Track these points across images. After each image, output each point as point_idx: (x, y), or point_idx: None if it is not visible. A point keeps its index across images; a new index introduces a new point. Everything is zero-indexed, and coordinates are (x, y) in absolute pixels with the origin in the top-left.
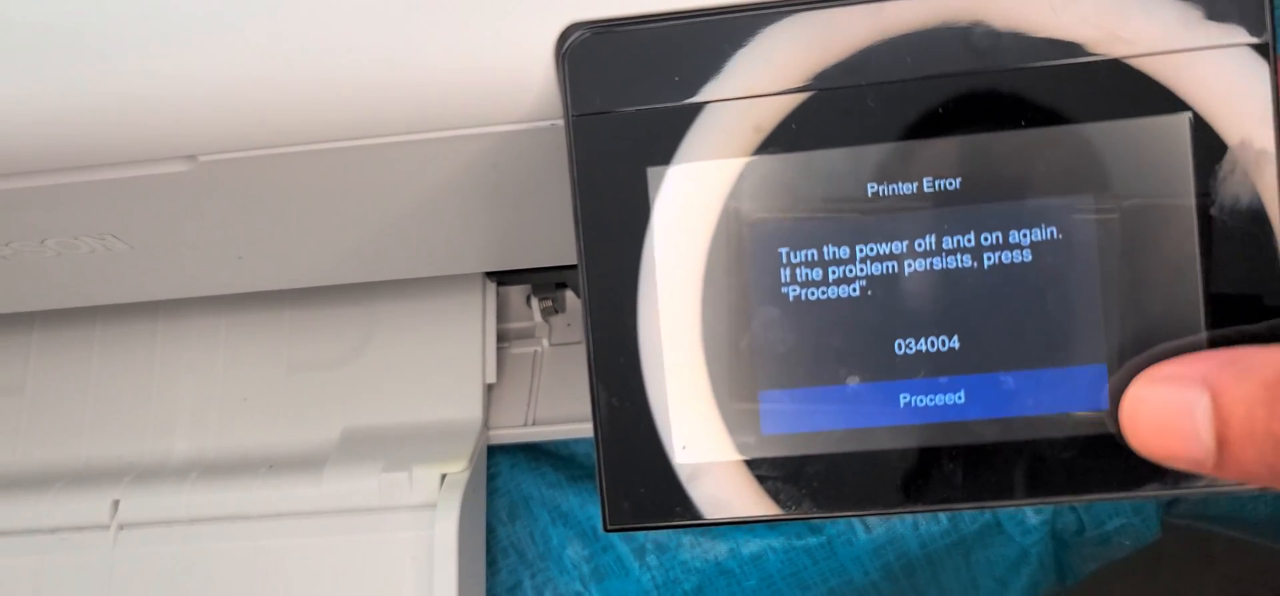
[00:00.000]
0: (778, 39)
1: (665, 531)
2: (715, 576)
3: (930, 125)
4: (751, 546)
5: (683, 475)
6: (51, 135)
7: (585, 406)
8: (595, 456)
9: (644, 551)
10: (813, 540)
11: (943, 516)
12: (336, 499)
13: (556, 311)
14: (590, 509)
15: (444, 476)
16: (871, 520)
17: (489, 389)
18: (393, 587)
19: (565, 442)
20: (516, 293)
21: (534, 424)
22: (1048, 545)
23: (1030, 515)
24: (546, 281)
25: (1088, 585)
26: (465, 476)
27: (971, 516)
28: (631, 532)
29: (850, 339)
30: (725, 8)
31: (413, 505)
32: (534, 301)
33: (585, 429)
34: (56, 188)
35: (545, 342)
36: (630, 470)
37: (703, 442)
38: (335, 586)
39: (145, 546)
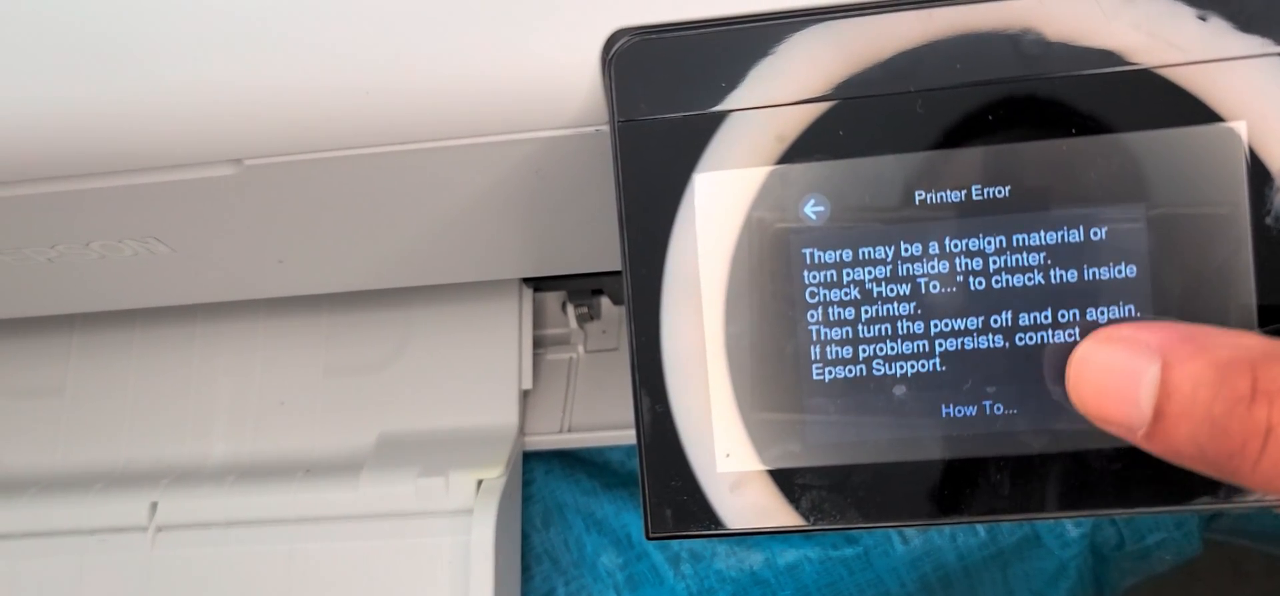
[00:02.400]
0: (810, 44)
1: (701, 540)
2: (750, 586)
3: (979, 131)
4: (787, 556)
5: (725, 484)
6: (101, 139)
7: (621, 414)
8: (638, 464)
9: (679, 560)
10: (849, 551)
11: (981, 528)
12: (373, 503)
13: (592, 318)
14: (625, 516)
15: (480, 482)
16: (909, 531)
17: (525, 395)
18: (429, 593)
19: (599, 450)
20: (552, 299)
21: (569, 430)
22: (1087, 559)
23: (1070, 528)
24: (582, 288)
25: None
26: (502, 482)
27: (1010, 528)
28: (671, 541)
29: (895, 348)
30: (769, 14)
31: (449, 510)
32: (569, 308)
33: (621, 436)
34: (105, 191)
35: (580, 349)
36: (672, 478)
37: (746, 452)
38: (371, 591)
39: (183, 549)
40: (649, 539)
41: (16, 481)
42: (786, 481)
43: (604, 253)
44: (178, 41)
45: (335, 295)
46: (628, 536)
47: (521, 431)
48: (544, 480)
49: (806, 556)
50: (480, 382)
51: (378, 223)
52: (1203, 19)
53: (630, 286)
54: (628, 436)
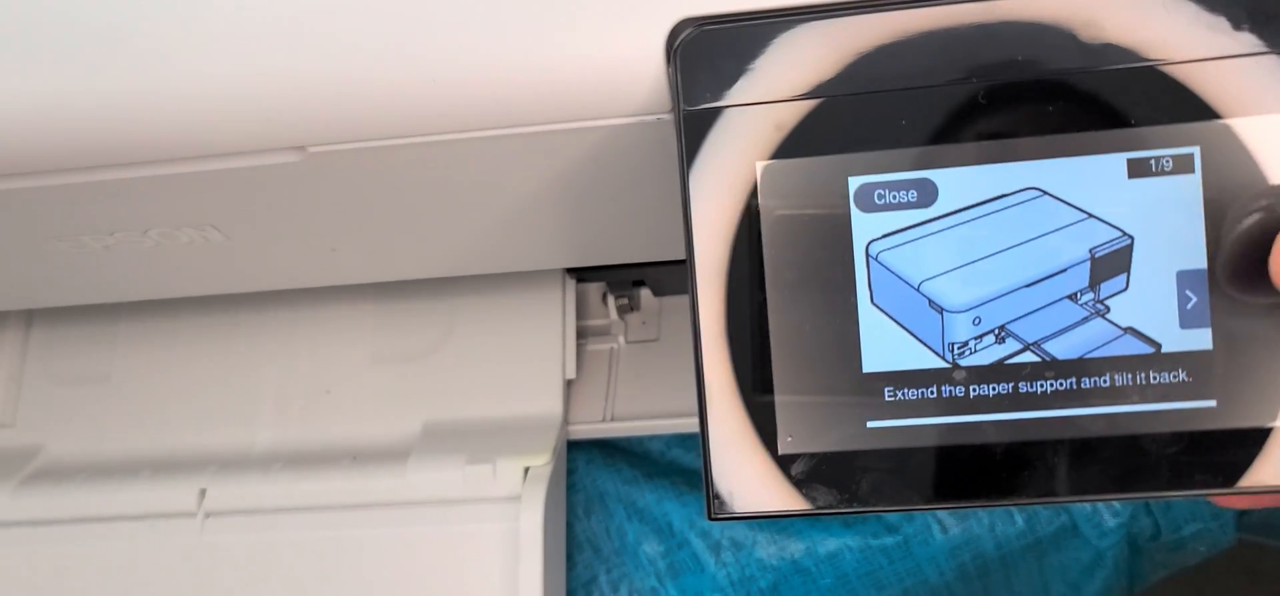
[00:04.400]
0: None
1: (740, 528)
2: (790, 574)
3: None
4: (828, 545)
5: (787, 466)
6: (166, 127)
7: (662, 404)
8: (700, 445)
9: (719, 548)
10: (889, 539)
11: (1019, 517)
12: (421, 490)
13: (632, 309)
14: (666, 505)
15: (527, 469)
16: (948, 520)
17: (568, 384)
18: (478, 578)
19: (640, 440)
20: (593, 290)
21: (612, 419)
22: (1123, 549)
23: (1107, 518)
24: (624, 279)
25: None
26: (548, 470)
27: (1048, 517)
28: (728, 523)
29: (954, 332)
30: (830, 6)
31: (497, 497)
32: (610, 299)
33: (662, 425)
34: (168, 178)
35: (621, 340)
36: (734, 460)
37: (806, 434)
38: (420, 576)
39: (231, 534)
40: (710, 520)
41: (66, 468)
42: (845, 464)
43: (650, 242)
44: (243, 29)
45: (382, 284)
46: (669, 525)
47: (566, 420)
48: (586, 469)
49: (847, 545)
50: (525, 371)
51: (433, 211)
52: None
53: (694, 272)
54: (669, 425)
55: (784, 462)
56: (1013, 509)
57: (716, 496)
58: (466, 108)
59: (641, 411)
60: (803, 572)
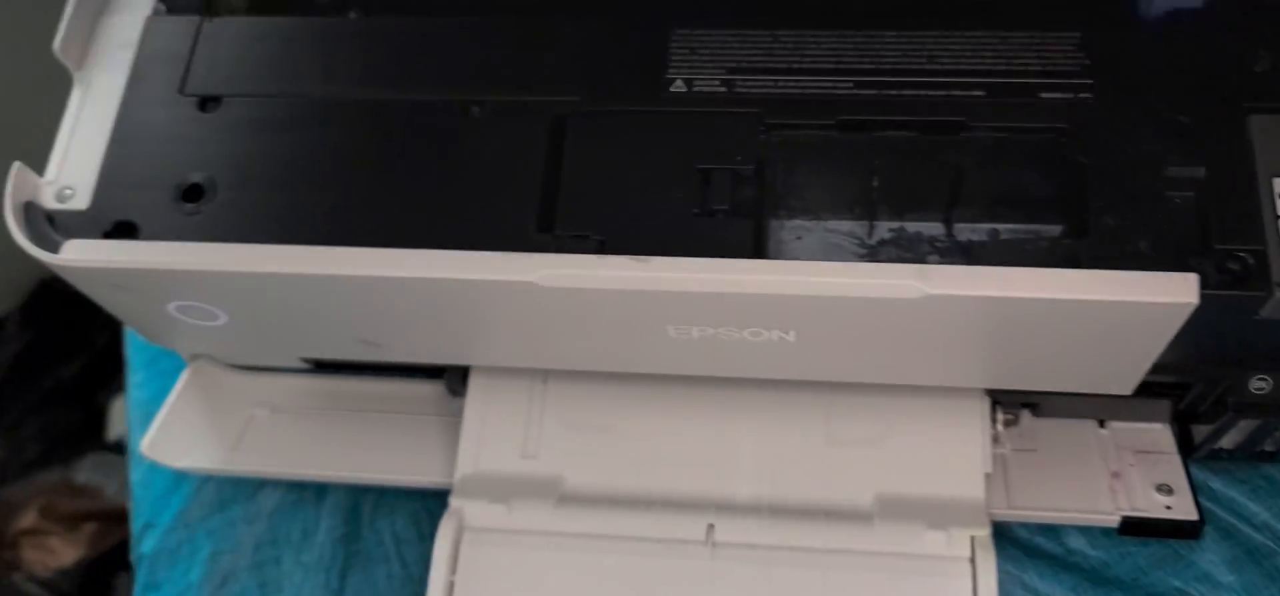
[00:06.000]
0: None
1: None
2: None
3: None
4: None
5: None
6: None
7: (1045, 500)
8: None
9: None
10: None
11: None
12: (887, 545)
13: (1013, 424)
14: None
15: (973, 537)
16: None
17: (987, 477)
18: None
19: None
20: None
21: (1008, 509)
22: None
23: None
24: (1015, 401)
25: None
26: (991, 540)
27: None
28: None
29: None
30: None
31: (954, 557)
32: (998, 411)
33: (1042, 516)
34: (817, 298)
35: (1008, 447)
36: None
37: None
38: None
39: (736, 564)
40: None
41: (586, 496)
42: None
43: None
44: None
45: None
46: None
47: (987, 506)
48: None
49: None
50: (953, 463)
51: (942, 341)
52: None
53: None
54: (1050, 516)
55: None
56: None
57: None
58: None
59: (1029, 504)
60: None
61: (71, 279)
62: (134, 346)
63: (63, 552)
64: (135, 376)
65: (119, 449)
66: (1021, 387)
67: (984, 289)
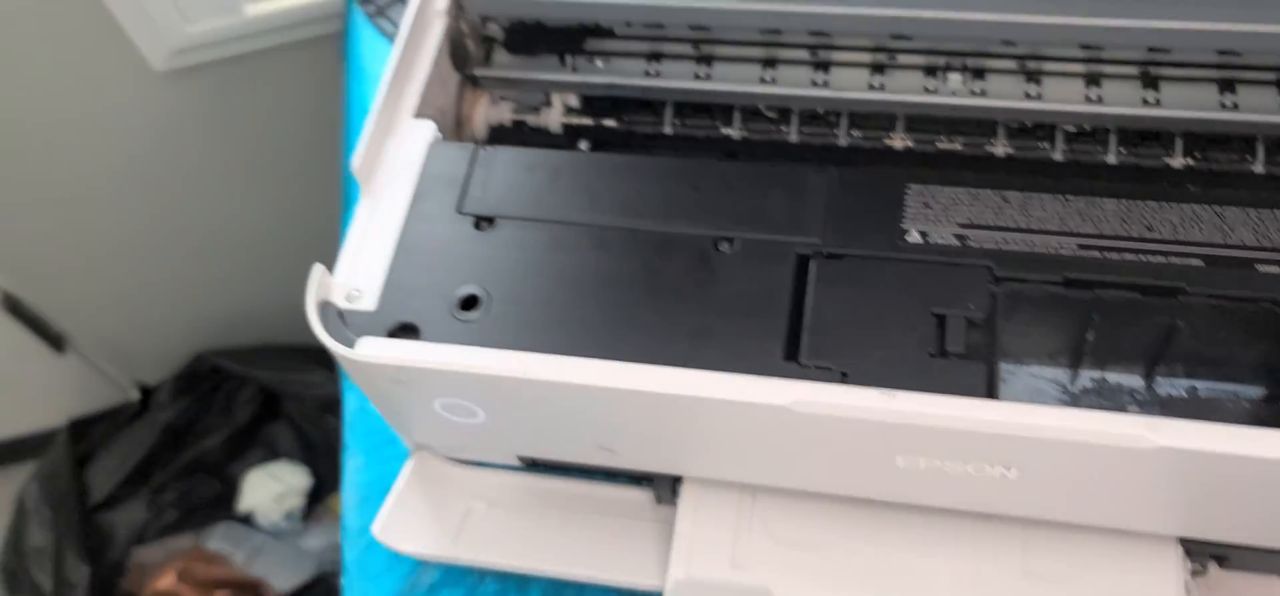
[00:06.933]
0: None
1: None
2: None
3: None
4: None
5: None
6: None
7: None
8: None
9: None
10: None
11: None
12: None
13: (1201, 574)
14: None
15: None
16: None
17: None
18: None
19: None
20: None
21: None
22: None
23: None
24: (1204, 552)
25: None
26: None
27: None
28: None
29: None
30: None
31: None
32: (1187, 561)
33: None
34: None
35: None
36: None
37: None
38: None
39: None
40: None
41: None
42: None
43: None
44: None
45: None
46: None
47: None
48: None
49: None
50: None
51: (1152, 488)
52: None
53: None
54: None
55: None
56: None
57: None
58: None
59: None
60: None
61: (355, 372)
62: (355, 432)
63: None
64: (354, 459)
65: (247, 521)
66: (1219, 539)
67: (1216, 445)
